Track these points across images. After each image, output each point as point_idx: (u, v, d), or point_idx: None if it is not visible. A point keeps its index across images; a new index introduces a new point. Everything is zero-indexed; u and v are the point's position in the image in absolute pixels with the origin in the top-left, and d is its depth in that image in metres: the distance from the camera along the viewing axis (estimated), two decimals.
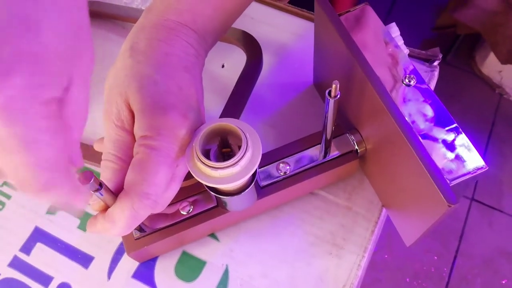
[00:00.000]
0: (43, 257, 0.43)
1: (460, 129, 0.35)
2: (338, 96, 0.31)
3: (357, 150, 0.41)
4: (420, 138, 0.34)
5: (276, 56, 0.52)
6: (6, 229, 0.44)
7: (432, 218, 0.32)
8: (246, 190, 0.37)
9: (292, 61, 0.51)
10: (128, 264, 0.42)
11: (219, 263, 0.42)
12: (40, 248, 0.43)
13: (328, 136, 0.38)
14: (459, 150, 0.34)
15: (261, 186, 0.41)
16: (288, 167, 0.41)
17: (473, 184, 1.26)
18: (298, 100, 0.49)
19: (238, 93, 0.47)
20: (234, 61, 0.52)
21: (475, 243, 1.20)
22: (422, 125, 0.36)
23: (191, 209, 0.40)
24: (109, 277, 0.42)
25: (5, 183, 0.46)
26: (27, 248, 0.43)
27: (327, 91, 0.31)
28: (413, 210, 0.37)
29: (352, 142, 0.41)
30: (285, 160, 0.41)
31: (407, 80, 0.36)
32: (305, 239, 0.43)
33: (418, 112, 0.36)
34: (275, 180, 0.41)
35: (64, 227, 0.44)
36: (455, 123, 0.35)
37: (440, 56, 0.49)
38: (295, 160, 0.41)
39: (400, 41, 0.38)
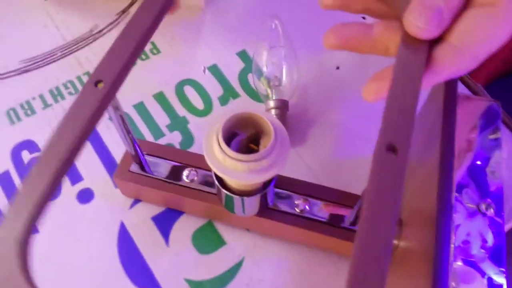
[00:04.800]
0: None
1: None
2: None
3: None
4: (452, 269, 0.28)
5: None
6: None
7: None
8: (248, 197, 0.33)
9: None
10: (153, 205, 0.40)
11: (237, 252, 0.39)
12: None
13: None
14: None
15: (269, 206, 0.36)
16: (307, 208, 0.36)
17: None
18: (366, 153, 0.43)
19: None
20: (349, 63, 0.48)
21: None
22: (475, 250, 0.30)
23: (195, 180, 0.37)
24: (131, 207, 0.40)
25: None
26: None
27: None
28: None
29: None
30: (309, 199, 0.36)
31: (483, 207, 0.29)
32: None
33: (480, 235, 0.30)
34: (285, 210, 0.36)
35: None
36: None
37: None
38: (319, 207, 0.36)
39: None
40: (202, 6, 0.49)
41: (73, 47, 0.48)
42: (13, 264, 0.19)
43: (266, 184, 0.33)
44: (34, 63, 0.47)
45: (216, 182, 0.33)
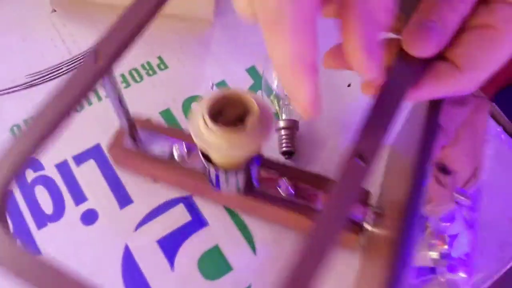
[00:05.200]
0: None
1: None
2: None
3: (362, 225, 0.35)
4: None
5: None
6: None
7: None
8: (232, 172, 0.33)
9: None
10: (158, 228, 0.39)
11: (244, 279, 0.37)
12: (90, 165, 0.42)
13: None
14: None
15: (255, 188, 0.37)
16: (291, 191, 0.37)
17: None
18: None
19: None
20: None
21: None
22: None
23: (185, 156, 0.38)
24: (136, 229, 0.39)
25: None
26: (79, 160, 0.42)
27: None
28: None
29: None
30: (296, 183, 0.37)
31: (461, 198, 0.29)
32: None
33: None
34: (271, 193, 0.37)
35: None
36: None
37: None
38: (307, 191, 0.37)
39: None
40: (211, 20, 0.48)
41: (79, 62, 0.47)
42: None
43: (251, 161, 0.33)
44: (40, 78, 0.46)
45: (201, 157, 0.33)
